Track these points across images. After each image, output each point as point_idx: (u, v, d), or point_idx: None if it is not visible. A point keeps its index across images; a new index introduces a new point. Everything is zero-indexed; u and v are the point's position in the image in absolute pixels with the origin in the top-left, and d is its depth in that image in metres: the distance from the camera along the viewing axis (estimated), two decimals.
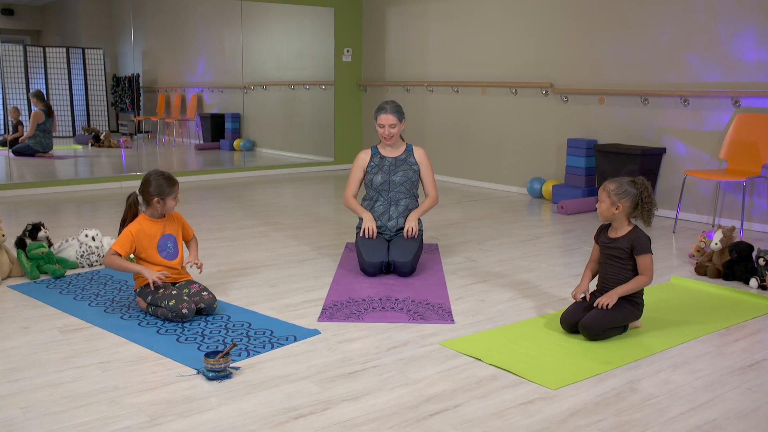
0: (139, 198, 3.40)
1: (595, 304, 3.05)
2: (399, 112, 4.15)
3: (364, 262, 3.98)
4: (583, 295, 3.15)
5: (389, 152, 4.25)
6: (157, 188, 3.32)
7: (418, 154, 4.26)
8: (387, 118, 4.12)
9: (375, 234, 4.04)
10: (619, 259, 3.08)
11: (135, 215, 3.41)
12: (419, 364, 2.78)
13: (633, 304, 3.08)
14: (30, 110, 7.55)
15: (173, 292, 3.24)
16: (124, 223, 3.41)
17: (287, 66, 8.97)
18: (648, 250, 3.04)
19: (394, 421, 2.30)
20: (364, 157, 4.25)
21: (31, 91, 7.46)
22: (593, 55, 6.40)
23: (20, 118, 7.45)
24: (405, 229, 4.04)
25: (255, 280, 3.94)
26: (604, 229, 3.21)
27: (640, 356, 2.88)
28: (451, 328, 3.20)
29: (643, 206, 3.05)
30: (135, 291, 3.42)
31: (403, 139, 4.29)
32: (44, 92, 7.67)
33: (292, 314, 3.37)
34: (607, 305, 2.99)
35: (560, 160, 6.79)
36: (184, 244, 3.57)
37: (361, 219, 4.19)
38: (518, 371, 2.70)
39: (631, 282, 3.05)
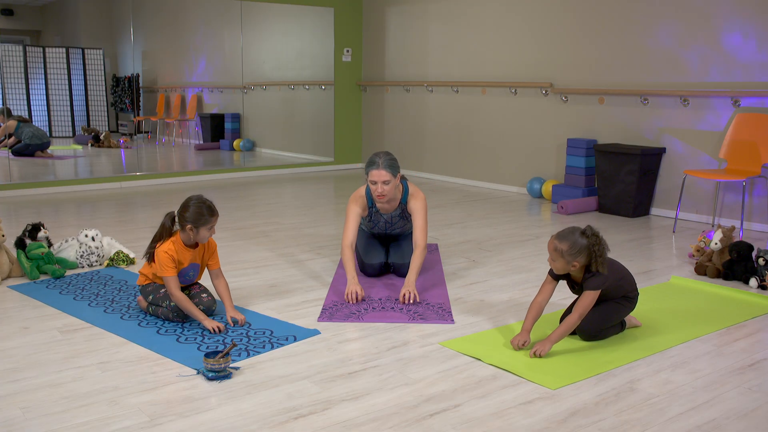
0: (176, 219, 3.23)
1: (531, 353, 2.84)
2: (393, 167, 3.67)
3: (364, 263, 3.97)
4: (524, 342, 2.92)
5: (384, 206, 3.88)
6: (194, 216, 3.12)
7: (413, 205, 3.81)
8: (379, 174, 3.65)
9: (360, 299, 3.52)
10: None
11: (170, 234, 3.22)
12: (419, 364, 2.78)
13: (627, 299, 3.06)
14: (30, 111, 7.56)
15: None
16: (156, 240, 3.22)
17: (287, 66, 8.97)
18: (594, 287, 2.87)
19: (394, 421, 2.30)
20: (360, 206, 3.83)
21: None
22: (593, 55, 6.40)
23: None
24: (402, 294, 3.51)
25: (255, 280, 3.94)
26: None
27: (640, 356, 2.88)
28: (451, 328, 3.20)
29: (596, 259, 2.85)
30: (137, 285, 3.40)
31: (402, 179, 3.88)
32: (45, 93, 7.67)
33: (292, 314, 3.37)
34: (540, 353, 2.83)
35: (560, 160, 6.79)
36: (210, 279, 3.38)
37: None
38: (518, 371, 2.70)
39: (561, 326, 2.88)
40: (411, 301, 3.47)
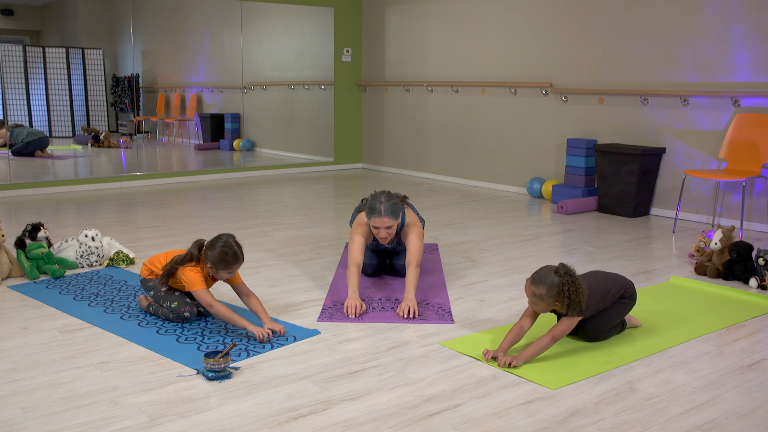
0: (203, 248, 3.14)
1: (503, 362, 2.73)
2: (395, 213, 3.55)
3: (364, 262, 3.96)
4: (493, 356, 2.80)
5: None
6: (216, 259, 3.04)
7: (408, 236, 3.67)
8: (382, 222, 3.53)
9: (359, 313, 3.38)
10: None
11: (198, 261, 3.14)
12: (419, 364, 2.78)
13: (624, 298, 3.06)
14: (30, 111, 7.56)
15: (176, 293, 3.23)
16: (179, 261, 3.14)
17: (287, 66, 8.97)
18: (572, 314, 2.79)
19: (394, 421, 2.30)
20: (364, 234, 3.69)
21: None
22: (593, 55, 6.40)
23: None
24: (402, 308, 3.37)
25: (255, 280, 3.94)
26: None
27: (640, 356, 2.88)
28: (451, 328, 3.20)
29: (565, 300, 2.74)
30: (140, 276, 3.40)
31: (402, 204, 3.76)
32: (45, 93, 7.68)
33: (292, 314, 3.37)
34: (510, 364, 2.73)
35: (560, 160, 6.79)
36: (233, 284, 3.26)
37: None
38: (518, 371, 2.70)
39: (534, 345, 2.77)
40: (411, 316, 3.36)
